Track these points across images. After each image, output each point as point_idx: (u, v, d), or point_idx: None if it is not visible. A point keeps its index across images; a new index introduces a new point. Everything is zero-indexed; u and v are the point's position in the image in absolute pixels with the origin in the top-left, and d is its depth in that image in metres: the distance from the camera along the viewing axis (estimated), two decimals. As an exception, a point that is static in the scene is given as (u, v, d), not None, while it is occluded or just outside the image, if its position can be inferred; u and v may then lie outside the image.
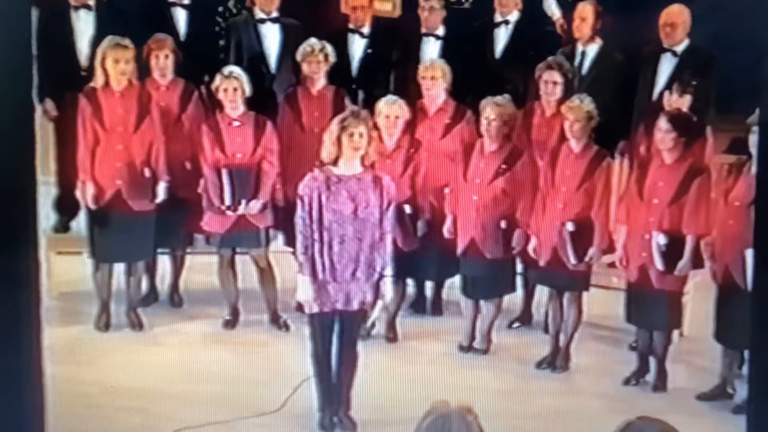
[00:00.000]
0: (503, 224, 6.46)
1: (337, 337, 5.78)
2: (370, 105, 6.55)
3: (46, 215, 7.03)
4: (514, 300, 6.78)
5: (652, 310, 6.27)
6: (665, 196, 6.23)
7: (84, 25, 6.93)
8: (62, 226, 7.18)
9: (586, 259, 6.41)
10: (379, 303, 5.81)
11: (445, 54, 6.90)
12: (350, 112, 5.74)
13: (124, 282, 6.76)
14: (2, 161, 4.66)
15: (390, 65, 7.11)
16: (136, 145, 6.62)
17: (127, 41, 6.54)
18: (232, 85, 6.53)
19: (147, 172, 6.62)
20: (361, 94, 6.92)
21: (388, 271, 5.72)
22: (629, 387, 6.41)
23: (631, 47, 6.79)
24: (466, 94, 6.74)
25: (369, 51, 7.06)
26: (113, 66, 6.56)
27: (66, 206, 7.01)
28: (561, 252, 6.40)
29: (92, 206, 6.61)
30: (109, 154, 6.61)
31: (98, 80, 6.60)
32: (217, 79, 6.57)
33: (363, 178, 5.67)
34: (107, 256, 6.70)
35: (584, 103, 6.34)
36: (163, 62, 6.74)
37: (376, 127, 6.04)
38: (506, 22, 7.04)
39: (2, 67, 4.62)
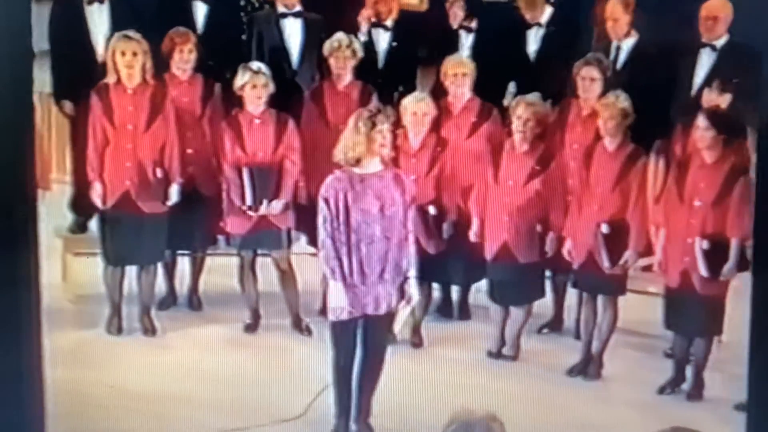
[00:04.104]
0: (538, 227, 6.37)
1: (361, 343, 5.68)
2: (388, 101, 6.49)
3: (63, 215, 7.06)
4: (544, 305, 6.66)
5: (694, 316, 6.12)
6: (707, 198, 6.07)
7: (98, 19, 6.82)
8: (79, 227, 7.10)
9: (621, 262, 6.29)
10: (407, 307, 5.71)
11: (476, 50, 6.84)
12: (377, 109, 5.65)
13: (136, 285, 6.69)
14: (2, 161, 4.67)
15: (416, 60, 7.02)
16: (147, 144, 6.52)
17: (135, 33, 6.44)
18: (260, 81, 6.45)
19: (159, 173, 6.52)
20: (397, 94, 6.77)
21: (413, 273, 5.64)
22: (664, 396, 6.28)
23: (668, 41, 6.61)
24: (494, 92, 6.68)
25: (393, 45, 6.97)
26: (120, 58, 6.45)
27: (82, 206, 6.90)
28: (595, 255, 6.29)
29: (100, 207, 6.53)
30: (119, 153, 6.51)
31: (110, 76, 6.51)
32: (245, 75, 6.46)
33: (384, 175, 5.59)
34: (117, 258, 6.61)
35: (619, 99, 6.21)
36: (186, 56, 6.64)
37: (398, 124, 5.97)
38: (538, 24, 6.96)
39: (2, 68, 4.63)
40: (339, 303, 5.57)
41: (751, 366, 5.13)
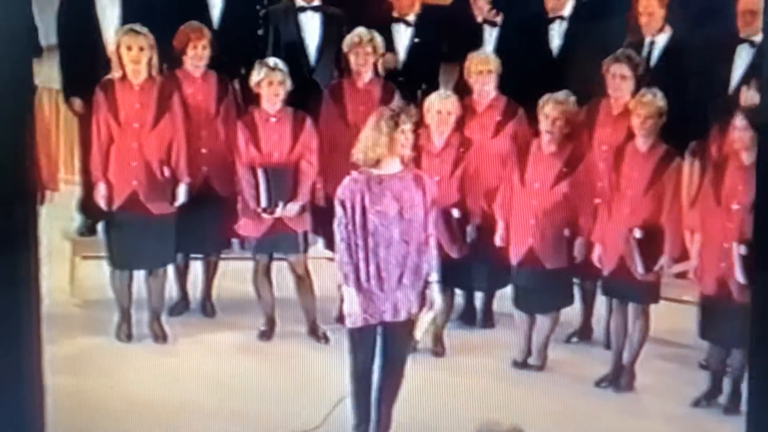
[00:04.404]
0: (566, 232, 6.26)
1: (381, 351, 5.59)
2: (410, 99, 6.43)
3: (71, 217, 7.00)
4: (572, 313, 6.56)
5: (731, 325, 5.92)
6: (746, 201, 5.89)
7: (109, 12, 6.71)
8: (88, 229, 6.97)
9: (656, 268, 6.16)
10: (429, 314, 5.60)
11: (501, 46, 6.74)
12: (400, 108, 5.55)
13: (145, 289, 6.60)
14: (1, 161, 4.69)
15: (439, 57, 6.90)
16: (153, 143, 6.40)
17: (142, 27, 6.31)
18: (277, 78, 6.34)
19: (166, 172, 6.41)
20: (420, 92, 6.67)
21: (434, 277, 5.55)
22: (699, 409, 6.14)
23: (704, 37, 6.49)
24: (520, 90, 6.52)
25: (416, 41, 6.85)
26: (126, 53, 6.32)
27: (92, 207, 6.72)
28: (628, 261, 6.16)
29: (105, 208, 6.43)
30: (124, 152, 6.40)
31: (116, 71, 6.39)
32: (261, 71, 6.36)
33: (404, 176, 5.50)
34: (124, 261, 6.51)
35: (657, 97, 6.11)
36: (201, 52, 6.53)
37: (420, 123, 5.91)
38: (561, 18, 6.82)
39: (2, 67, 4.63)
40: (352, 309, 5.49)
41: (751, 367, 5.13)
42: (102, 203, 6.41)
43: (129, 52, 6.31)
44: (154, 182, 6.39)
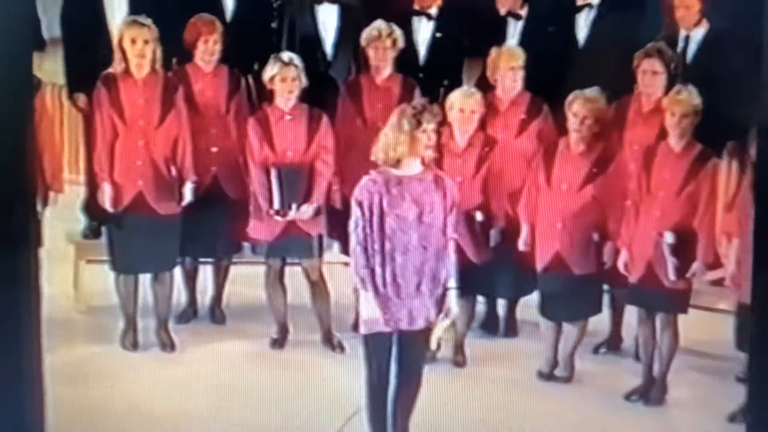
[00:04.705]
0: (595, 236, 6.12)
1: (396, 360, 5.47)
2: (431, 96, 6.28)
3: (76, 219, 6.91)
4: (600, 321, 6.44)
5: None
6: None
7: (117, 4, 6.56)
8: (92, 231, 6.80)
9: (688, 275, 6.02)
10: (444, 321, 5.48)
11: (525, 39, 6.58)
12: (423, 106, 5.42)
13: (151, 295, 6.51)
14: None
15: (462, 52, 6.75)
16: (160, 140, 6.29)
17: (145, 19, 6.19)
18: (291, 73, 6.24)
19: (174, 171, 6.31)
20: (442, 89, 6.52)
21: (452, 283, 5.43)
22: (735, 424, 5.91)
23: (743, 31, 6.21)
24: (544, 85, 6.40)
25: (437, 35, 6.71)
26: (130, 47, 6.19)
27: (96, 209, 6.56)
28: (657, 267, 6.03)
29: (111, 209, 6.30)
30: (130, 150, 6.27)
31: (118, 65, 6.25)
32: (275, 66, 6.25)
33: (424, 178, 5.38)
34: (128, 265, 6.39)
35: (692, 95, 6.00)
36: (212, 47, 6.43)
37: (443, 122, 5.80)
38: (589, 6, 6.65)
39: (2, 66, 4.65)
40: (372, 314, 5.37)
41: (751, 367, 5.13)
42: (107, 204, 6.28)
43: (133, 45, 6.18)
44: (160, 182, 6.28)
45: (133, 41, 6.17)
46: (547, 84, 6.37)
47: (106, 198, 6.27)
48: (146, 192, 6.27)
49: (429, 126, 5.31)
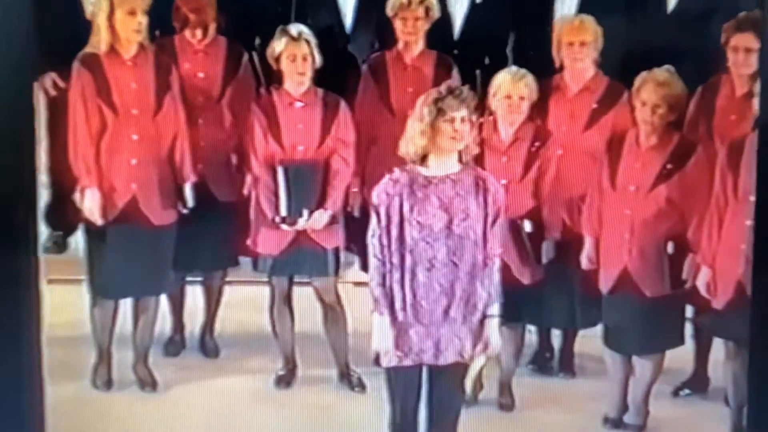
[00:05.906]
0: (670, 248, 5.58)
1: (426, 401, 5.10)
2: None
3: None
4: (682, 357, 5.94)
5: None
6: None
7: None
8: (56, 244, 6.34)
9: None
10: (483, 356, 5.10)
11: (589, 6, 6.01)
12: (447, 90, 5.01)
13: (131, 323, 5.98)
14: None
15: (509, 23, 6.23)
16: (157, 134, 5.76)
17: None
18: (302, 51, 5.75)
19: (171, 171, 5.84)
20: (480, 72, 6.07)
21: (495, 310, 5.01)
22: None
23: None
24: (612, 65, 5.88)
25: (477, 2, 6.20)
26: (127, 21, 5.54)
27: (62, 216, 6.08)
28: (749, 289, 5.34)
29: (99, 222, 5.66)
30: (121, 147, 5.70)
31: (101, 43, 5.59)
32: (282, 41, 5.76)
33: (460, 179, 4.96)
34: (113, 288, 5.85)
35: None
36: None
37: (483, 110, 5.47)
38: None
39: (2, 64, 4.48)
40: (383, 344, 5.00)
41: (751, 366, 4.97)
42: (96, 216, 5.62)
43: (132, 18, 5.53)
44: (156, 184, 5.74)
45: (132, 13, 5.52)
46: (615, 63, 5.84)
47: (93, 208, 5.60)
48: (139, 197, 5.70)
49: (457, 114, 4.86)
